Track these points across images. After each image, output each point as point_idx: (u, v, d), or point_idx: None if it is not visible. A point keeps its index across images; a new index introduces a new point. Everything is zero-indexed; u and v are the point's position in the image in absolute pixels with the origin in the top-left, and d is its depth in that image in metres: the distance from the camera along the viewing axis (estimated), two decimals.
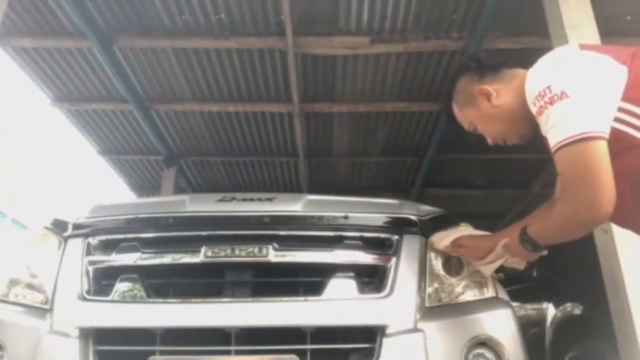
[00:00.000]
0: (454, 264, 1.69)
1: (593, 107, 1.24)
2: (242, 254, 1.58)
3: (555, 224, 1.36)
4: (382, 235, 1.70)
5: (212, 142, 6.35)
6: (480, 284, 1.68)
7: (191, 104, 5.48)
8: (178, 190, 6.67)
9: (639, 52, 1.31)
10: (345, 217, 1.71)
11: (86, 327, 1.52)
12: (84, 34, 4.32)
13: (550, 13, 3.12)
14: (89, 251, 1.68)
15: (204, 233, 1.68)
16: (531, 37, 4.19)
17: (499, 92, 1.49)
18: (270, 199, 1.88)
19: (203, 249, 1.59)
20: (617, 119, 1.24)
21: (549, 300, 3.11)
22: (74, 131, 6.16)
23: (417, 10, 4.15)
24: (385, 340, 1.46)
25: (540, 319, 3.10)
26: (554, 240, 1.42)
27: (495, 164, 6.30)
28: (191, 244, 1.63)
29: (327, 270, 1.59)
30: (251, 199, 1.89)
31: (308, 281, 1.60)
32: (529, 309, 3.31)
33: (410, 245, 1.66)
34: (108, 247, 1.69)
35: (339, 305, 1.54)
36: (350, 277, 1.58)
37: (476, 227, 1.75)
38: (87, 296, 1.59)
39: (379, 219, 1.75)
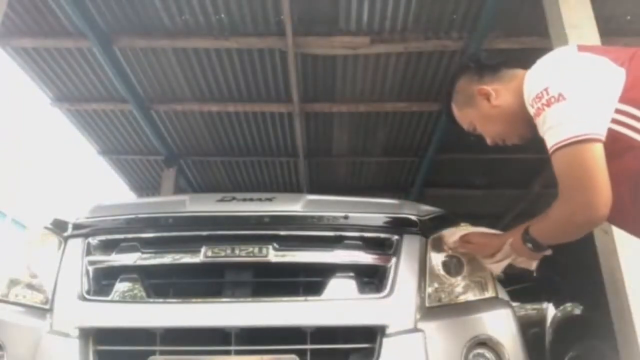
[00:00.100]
0: (454, 264, 1.69)
1: (590, 110, 1.24)
2: (242, 254, 1.58)
3: (552, 225, 1.38)
4: (382, 235, 1.71)
5: (212, 142, 6.35)
6: (480, 284, 1.68)
7: (191, 104, 5.48)
8: (178, 190, 6.67)
9: (638, 54, 1.31)
10: (345, 217, 1.71)
11: (86, 327, 1.52)
12: (84, 34, 4.32)
13: (550, 13, 3.12)
14: (89, 251, 1.68)
15: (204, 233, 1.68)
16: (531, 37, 4.19)
17: (499, 93, 1.50)
18: (270, 199, 1.88)
19: (203, 249, 1.59)
20: (614, 121, 1.24)
21: (549, 300, 3.12)
22: (74, 131, 6.16)
23: (417, 10, 4.15)
24: (385, 340, 1.46)
25: (540, 319, 3.10)
26: (554, 240, 1.43)
27: (495, 164, 6.30)
28: (191, 244, 1.63)
29: (327, 270, 1.59)
30: (251, 199, 1.89)
31: (308, 281, 1.60)
32: (529, 309, 3.31)
33: (410, 245, 1.66)
34: (108, 247, 1.69)
35: (339, 305, 1.54)
36: (350, 277, 1.58)
37: (476, 227, 1.75)
38: (87, 296, 1.59)
39: (379, 219, 1.75)
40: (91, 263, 1.66)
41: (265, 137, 6.18)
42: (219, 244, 1.61)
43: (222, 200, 1.89)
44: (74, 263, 1.66)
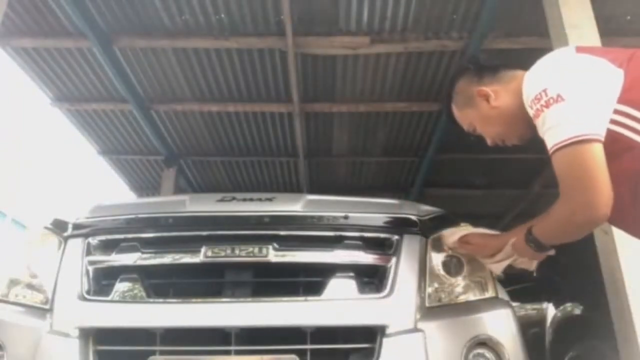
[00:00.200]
0: (454, 264, 1.69)
1: (588, 110, 1.25)
2: (242, 254, 1.58)
3: (554, 225, 1.38)
4: (382, 235, 1.70)
5: (212, 142, 6.35)
6: (480, 284, 1.68)
7: (191, 104, 5.48)
8: (178, 190, 6.67)
9: (636, 55, 1.32)
10: (345, 217, 1.71)
11: (86, 327, 1.52)
12: (84, 34, 4.32)
13: (550, 13, 3.12)
14: (89, 251, 1.68)
15: (204, 233, 1.68)
16: (531, 37, 4.19)
17: (498, 94, 1.51)
18: (270, 199, 1.88)
19: (203, 249, 1.59)
20: (613, 121, 1.25)
21: (549, 300, 3.12)
22: (74, 131, 6.16)
23: (417, 10, 4.15)
24: (385, 340, 1.46)
25: (540, 319, 3.10)
26: (556, 241, 1.43)
27: (495, 164, 6.30)
28: (191, 244, 1.63)
29: (327, 270, 1.59)
30: (251, 199, 1.89)
31: (308, 281, 1.60)
32: (529, 309, 3.31)
33: (410, 245, 1.66)
34: (108, 247, 1.69)
35: (339, 305, 1.53)
36: (350, 277, 1.58)
37: (476, 227, 1.75)
38: (87, 296, 1.59)
39: (379, 219, 1.75)
40: (91, 263, 1.66)
41: (265, 137, 6.18)
42: (219, 244, 1.61)
43: (222, 200, 1.89)
44: (74, 263, 1.66)
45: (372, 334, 1.49)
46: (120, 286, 1.59)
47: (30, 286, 1.69)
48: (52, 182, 19.51)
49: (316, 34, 4.40)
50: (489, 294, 1.67)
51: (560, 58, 1.40)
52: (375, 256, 1.64)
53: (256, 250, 1.59)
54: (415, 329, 1.50)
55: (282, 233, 1.67)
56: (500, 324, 1.60)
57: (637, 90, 1.25)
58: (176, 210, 1.81)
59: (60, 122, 5.98)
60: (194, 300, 1.57)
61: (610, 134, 1.24)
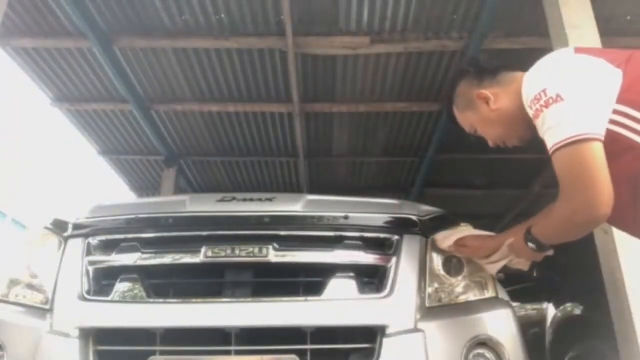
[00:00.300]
0: (454, 264, 1.69)
1: (588, 110, 1.25)
2: (242, 254, 1.58)
3: (554, 225, 1.38)
4: (382, 235, 1.70)
5: (212, 142, 6.35)
6: (480, 284, 1.68)
7: (191, 104, 5.48)
8: (178, 190, 6.67)
9: (635, 55, 1.32)
10: (345, 217, 1.71)
11: (86, 327, 1.52)
12: (84, 34, 4.32)
13: (550, 13, 3.12)
14: (89, 251, 1.68)
15: (204, 233, 1.68)
16: (531, 37, 4.19)
17: (498, 96, 1.52)
18: (270, 199, 1.88)
19: (203, 249, 1.59)
20: (612, 121, 1.25)
21: (549, 300, 3.12)
22: (74, 131, 6.16)
23: (417, 10, 4.15)
24: (385, 340, 1.46)
25: (540, 319, 3.10)
26: (556, 240, 1.43)
27: (495, 164, 6.30)
28: (191, 244, 1.63)
29: (327, 270, 1.59)
30: (251, 199, 1.89)
31: (308, 281, 1.60)
32: (529, 309, 3.31)
33: (410, 245, 1.66)
34: (108, 247, 1.69)
35: (339, 305, 1.53)
36: (350, 277, 1.58)
37: (476, 227, 1.75)
38: (87, 296, 1.59)
39: (379, 219, 1.75)
40: (91, 263, 1.66)
41: (265, 137, 6.18)
42: (219, 244, 1.61)
43: (222, 200, 1.89)
44: (74, 263, 1.66)
45: (372, 334, 1.49)
46: (120, 286, 1.59)
47: (30, 286, 1.69)
48: (52, 182, 19.52)
49: (316, 34, 4.40)
50: (489, 294, 1.67)
51: (559, 58, 1.40)
52: (375, 256, 1.64)
53: (256, 250, 1.59)
54: (415, 329, 1.50)
55: (282, 233, 1.67)
56: (500, 324, 1.60)
57: (636, 91, 1.26)
58: (176, 210, 1.81)
59: (60, 122, 5.99)
60: (194, 300, 1.57)
61: (610, 134, 1.25)
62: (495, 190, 7.18)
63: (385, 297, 1.55)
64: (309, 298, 1.55)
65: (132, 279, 1.59)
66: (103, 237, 1.71)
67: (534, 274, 3.20)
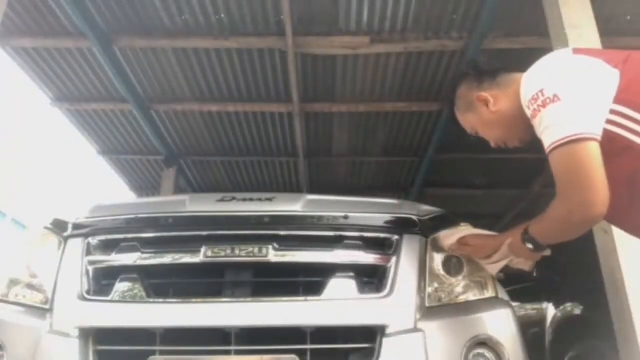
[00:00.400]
0: (454, 264, 1.69)
1: (585, 110, 1.26)
2: (242, 254, 1.58)
3: (551, 224, 1.39)
4: (382, 235, 1.70)
5: (212, 142, 6.35)
6: (480, 284, 1.68)
7: (191, 104, 5.48)
8: (178, 190, 6.67)
9: (632, 56, 1.33)
10: (345, 217, 1.71)
11: (86, 327, 1.52)
12: (84, 34, 4.32)
13: (550, 13, 3.12)
14: (89, 251, 1.68)
15: (204, 233, 1.68)
16: (531, 37, 4.20)
17: (497, 98, 1.53)
18: (270, 199, 1.88)
19: (203, 249, 1.59)
20: (610, 122, 1.26)
21: (549, 300, 3.12)
22: (74, 131, 6.16)
23: (417, 10, 4.15)
24: (385, 340, 1.46)
25: (540, 319, 3.10)
26: (553, 240, 1.44)
27: (495, 164, 6.30)
28: (191, 244, 1.63)
29: (327, 270, 1.59)
30: (251, 199, 1.89)
31: (308, 281, 1.60)
32: (529, 309, 3.31)
33: (410, 245, 1.66)
34: (108, 247, 1.69)
35: (339, 305, 1.53)
36: (350, 277, 1.58)
37: (476, 227, 1.75)
38: (87, 296, 1.59)
39: (379, 219, 1.75)
40: (91, 263, 1.66)
41: (265, 137, 6.18)
42: (219, 244, 1.61)
43: (222, 200, 1.89)
44: (74, 263, 1.66)
45: (372, 334, 1.49)
46: (120, 286, 1.59)
47: (30, 286, 1.69)
48: (52, 182, 19.52)
49: (316, 34, 4.40)
50: (489, 294, 1.67)
51: (557, 59, 1.42)
52: (375, 256, 1.64)
53: (256, 250, 1.59)
54: (415, 329, 1.50)
55: (282, 233, 1.67)
56: (500, 324, 1.60)
57: (633, 91, 1.27)
58: (176, 210, 1.81)
59: (60, 122, 6.00)
60: (194, 300, 1.57)
61: (607, 134, 1.25)
62: (495, 190, 7.18)
63: (385, 297, 1.55)
64: (309, 298, 1.55)
65: (132, 279, 1.59)
66: (103, 237, 1.71)
67: (534, 274, 3.20)
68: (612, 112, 1.26)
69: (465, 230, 1.71)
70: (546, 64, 1.40)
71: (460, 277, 1.67)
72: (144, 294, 1.56)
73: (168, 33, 4.47)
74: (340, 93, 5.29)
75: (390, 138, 6.14)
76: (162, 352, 1.49)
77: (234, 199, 1.90)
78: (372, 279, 1.63)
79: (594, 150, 1.23)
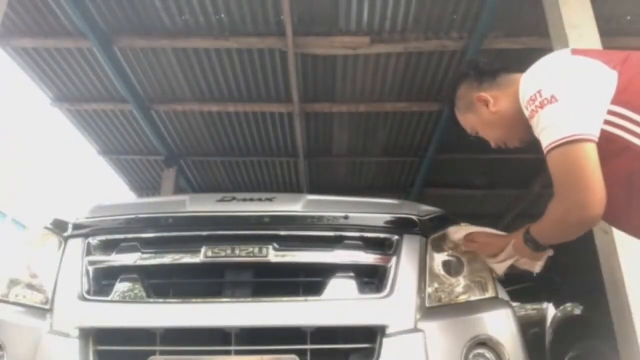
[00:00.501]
0: (454, 264, 1.70)
1: (582, 110, 1.27)
2: (242, 254, 1.58)
3: (549, 224, 1.40)
4: (382, 235, 1.70)
5: (212, 142, 6.35)
6: (480, 284, 1.68)
7: (191, 104, 5.48)
8: (178, 190, 6.67)
9: (631, 56, 1.34)
10: (345, 217, 1.71)
11: (86, 327, 1.52)
12: (84, 34, 4.32)
13: (550, 13, 3.12)
14: (89, 251, 1.68)
15: (204, 233, 1.68)
16: (531, 37, 4.20)
17: (497, 99, 1.53)
18: (270, 199, 1.88)
19: (203, 249, 1.59)
20: (608, 122, 1.27)
21: (549, 300, 3.12)
22: (74, 131, 6.16)
23: (417, 10, 4.15)
24: (385, 340, 1.46)
25: (540, 319, 3.10)
26: (552, 240, 1.45)
27: (495, 164, 6.30)
28: (191, 244, 1.63)
29: (327, 270, 1.59)
30: (251, 199, 1.89)
31: (308, 281, 1.60)
32: (529, 309, 3.31)
33: (410, 245, 1.66)
34: (108, 247, 1.69)
35: (339, 305, 1.54)
36: (350, 277, 1.58)
37: (479, 226, 1.75)
38: (87, 296, 1.59)
39: (379, 219, 1.75)
40: (91, 263, 1.66)
41: (265, 137, 6.18)
42: (219, 244, 1.61)
43: (222, 200, 1.89)
44: (74, 263, 1.66)
45: (372, 334, 1.49)
46: (120, 286, 1.59)
47: (30, 286, 1.69)
48: (52, 182, 19.52)
49: (316, 34, 4.40)
50: (489, 294, 1.67)
51: (555, 60, 1.43)
52: (375, 256, 1.64)
53: (256, 250, 1.59)
54: (415, 329, 1.50)
55: (282, 233, 1.67)
56: (500, 324, 1.60)
57: (631, 92, 1.27)
58: (176, 210, 1.81)
59: (60, 122, 6.00)
60: (194, 300, 1.57)
61: (605, 134, 1.26)
62: (495, 190, 7.18)
63: (385, 297, 1.55)
64: (309, 298, 1.55)
65: (132, 279, 1.59)
66: (103, 237, 1.71)
67: (534, 274, 3.19)
68: (610, 112, 1.26)
69: (472, 227, 1.71)
70: (544, 65, 1.41)
71: (460, 277, 1.68)
72: (144, 294, 1.56)
73: (168, 33, 4.47)
74: (340, 93, 5.29)
75: (390, 138, 6.14)
76: (162, 352, 1.49)
77: (234, 199, 1.90)
78: (372, 279, 1.63)
79: (591, 151, 1.24)
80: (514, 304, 1.76)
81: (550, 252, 1.50)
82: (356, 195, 2.19)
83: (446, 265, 1.69)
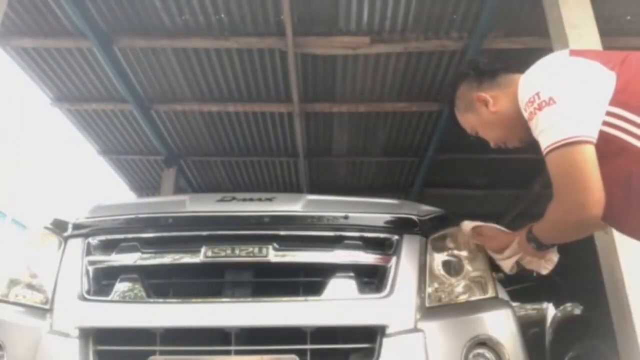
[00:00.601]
0: (454, 264, 1.70)
1: (580, 112, 1.28)
2: (242, 254, 1.58)
3: (549, 225, 1.41)
4: (382, 235, 1.71)
5: (212, 142, 6.35)
6: (480, 284, 1.68)
7: (191, 104, 5.48)
8: (178, 190, 6.67)
9: (629, 57, 1.34)
10: (345, 217, 1.71)
11: (86, 327, 1.52)
12: (84, 34, 4.32)
13: (550, 13, 3.12)
14: (89, 251, 1.68)
15: (204, 233, 1.68)
16: (531, 37, 4.20)
17: (497, 99, 1.54)
18: (270, 199, 1.88)
19: (203, 249, 1.59)
20: (606, 123, 1.27)
21: (549, 300, 3.11)
22: (74, 131, 6.16)
23: (417, 10, 4.15)
24: (385, 340, 1.46)
25: (540, 319, 3.10)
26: (554, 240, 1.46)
27: (495, 164, 6.30)
28: (191, 244, 1.63)
29: (327, 270, 1.59)
30: (251, 199, 1.89)
31: (308, 281, 1.60)
32: (529, 309, 3.31)
33: (410, 245, 1.66)
34: (108, 247, 1.69)
35: (339, 305, 1.54)
36: (350, 277, 1.58)
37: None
38: (87, 296, 1.59)
39: (379, 219, 1.75)
40: (91, 263, 1.66)
41: (265, 137, 6.18)
42: (219, 244, 1.61)
43: (222, 200, 1.89)
44: (74, 263, 1.66)
45: (372, 334, 1.49)
46: (120, 286, 1.59)
47: (30, 286, 1.69)
48: (52, 182, 19.52)
49: (316, 34, 4.40)
50: (489, 294, 1.68)
51: (553, 61, 1.43)
52: (375, 256, 1.64)
53: (256, 250, 1.59)
54: (415, 329, 1.50)
55: (282, 233, 1.67)
56: (500, 324, 1.60)
57: (629, 93, 1.27)
58: (176, 210, 1.81)
59: (60, 122, 6.00)
60: (194, 300, 1.57)
61: (603, 135, 1.26)
62: (495, 190, 7.18)
63: (385, 297, 1.55)
64: (309, 298, 1.55)
65: (132, 279, 1.59)
66: (103, 237, 1.71)
67: (534, 274, 3.19)
68: (609, 113, 1.27)
69: (480, 223, 1.71)
70: (542, 67, 1.42)
71: (460, 277, 1.68)
72: (144, 294, 1.56)
73: (168, 33, 4.47)
74: (340, 93, 5.29)
75: (390, 138, 6.14)
76: (162, 352, 1.49)
77: (234, 199, 1.90)
78: (372, 279, 1.63)
79: (589, 153, 1.25)
80: (514, 304, 1.77)
81: (554, 252, 1.52)
82: (356, 195, 2.19)
83: (446, 265, 1.69)
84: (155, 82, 5.20)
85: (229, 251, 1.59)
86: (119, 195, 8.45)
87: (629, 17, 4.17)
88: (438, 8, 4.11)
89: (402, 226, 1.73)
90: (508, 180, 6.85)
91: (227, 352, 1.49)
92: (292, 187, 7.40)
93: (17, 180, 17.50)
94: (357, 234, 1.68)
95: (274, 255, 1.58)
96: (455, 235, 1.73)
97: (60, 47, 4.71)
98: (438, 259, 1.69)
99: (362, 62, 4.76)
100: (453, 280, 1.67)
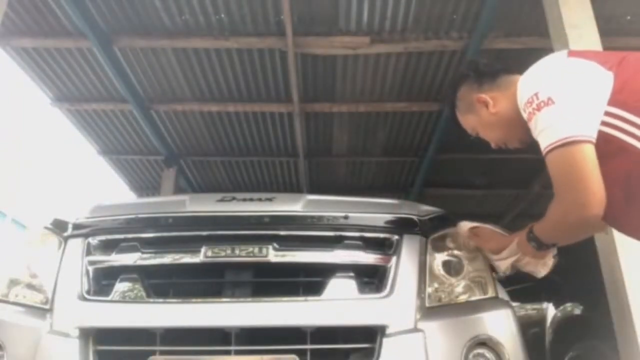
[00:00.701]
0: (454, 264, 1.70)
1: (578, 112, 1.28)
2: (242, 254, 1.58)
3: (550, 225, 1.41)
4: (382, 235, 1.70)
5: (212, 142, 6.35)
6: (480, 284, 1.68)
7: (191, 104, 5.48)
8: (178, 190, 6.67)
9: (627, 58, 1.35)
10: (345, 217, 1.71)
11: (86, 327, 1.52)
12: (84, 34, 4.32)
13: (550, 13, 3.12)
14: (89, 251, 1.68)
15: (204, 233, 1.68)
16: (531, 37, 4.20)
17: (497, 100, 1.55)
18: (270, 199, 1.88)
19: (203, 249, 1.59)
20: (605, 123, 1.27)
21: (549, 300, 3.11)
22: (74, 131, 6.16)
23: (417, 10, 4.15)
24: (385, 340, 1.46)
25: (540, 319, 3.10)
26: (555, 240, 1.46)
27: (495, 164, 6.30)
28: (191, 244, 1.63)
29: (327, 270, 1.59)
30: (251, 199, 1.89)
31: (308, 281, 1.60)
32: (529, 309, 3.31)
33: (410, 245, 1.66)
34: (108, 247, 1.69)
35: (339, 305, 1.53)
36: (350, 277, 1.58)
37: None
38: (87, 296, 1.59)
39: (379, 219, 1.75)
40: (91, 263, 1.66)
41: (265, 137, 6.18)
42: (219, 244, 1.61)
43: (222, 200, 1.89)
44: (74, 263, 1.66)
45: (372, 334, 1.49)
46: (120, 286, 1.59)
47: (30, 286, 1.69)
48: (52, 182, 19.52)
49: (316, 34, 4.40)
50: (489, 294, 1.67)
51: (552, 62, 1.44)
52: (375, 256, 1.64)
53: (256, 250, 1.59)
54: (415, 329, 1.50)
55: (282, 233, 1.67)
56: (500, 324, 1.60)
57: (627, 93, 1.28)
58: (176, 210, 1.81)
59: (60, 122, 6.00)
60: (194, 300, 1.57)
61: (602, 135, 1.27)
62: (495, 190, 7.18)
63: (385, 297, 1.55)
64: (309, 298, 1.55)
65: (132, 279, 1.59)
66: (103, 237, 1.71)
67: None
68: (607, 113, 1.27)
69: (478, 224, 1.71)
70: (541, 67, 1.42)
71: (460, 277, 1.68)
72: (144, 294, 1.56)
73: (168, 33, 4.47)
74: (340, 93, 5.29)
75: (390, 138, 6.14)
76: (162, 352, 1.49)
77: (234, 199, 1.90)
78: (372, 279, 1.63)
79: (589, 152, 1.25)
80: (514, 304, 1.77)
81: (554, 252, 1.51)
82: (356, 195, 2.19)
83: (446, 265, 1.69)
84: (155, 82, 5.20)
85: (229, 251, 1.59)
86: (119, 195, 8.46)
87: (629, 17, 4.17)
88: (438, 8, 4.11)
89: (402, 226, 1.73)
90: (508, 180, 6.85)
91: (227, 352, 1.49)
92: (292, 187, 7.40)
93: (17, 180, 17.50)
94: (357, 234, 1.68)
95: (274, 255, 1.58)
96: (455, 235, 1.73)
97: (60, 47, 4.71)
98: (438, 259, 1.69)
99: (362, 62, 4.76)
100: (453, 280, 1.67)
